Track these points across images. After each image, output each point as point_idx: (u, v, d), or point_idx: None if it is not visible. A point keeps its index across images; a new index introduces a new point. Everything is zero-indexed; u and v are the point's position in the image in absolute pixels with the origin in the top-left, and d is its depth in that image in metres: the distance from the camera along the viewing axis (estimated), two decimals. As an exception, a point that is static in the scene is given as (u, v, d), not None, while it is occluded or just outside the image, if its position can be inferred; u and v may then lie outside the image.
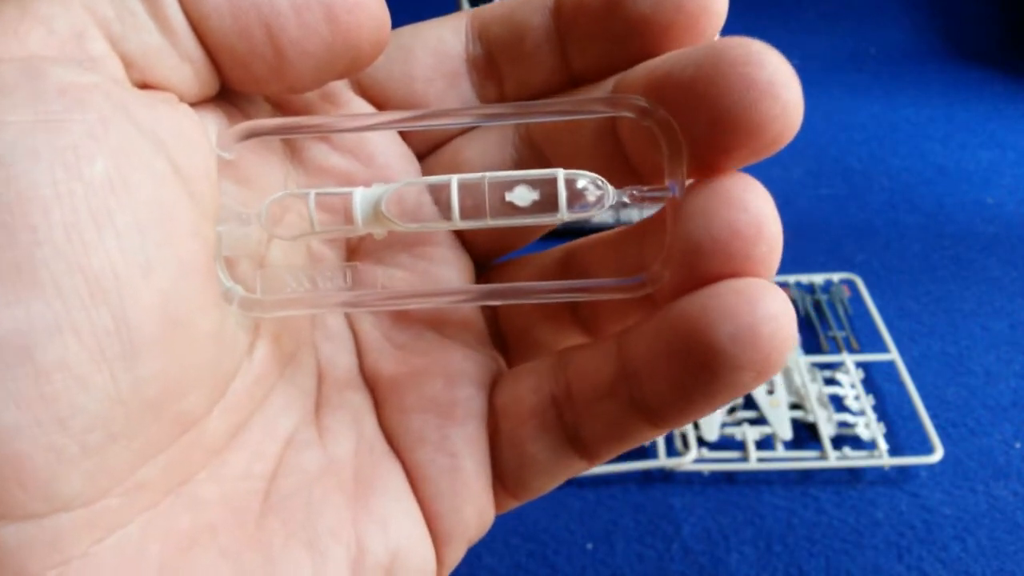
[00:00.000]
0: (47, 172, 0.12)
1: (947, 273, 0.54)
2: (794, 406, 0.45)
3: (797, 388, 0.46)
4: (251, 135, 0.16)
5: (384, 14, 0.16)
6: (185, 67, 0.15)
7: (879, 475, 0.41)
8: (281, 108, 0.18)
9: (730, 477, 0.41)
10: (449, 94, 0.18)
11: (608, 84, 0.17)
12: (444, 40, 0.18)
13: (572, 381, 0.16)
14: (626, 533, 0.38)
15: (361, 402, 0.18)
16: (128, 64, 0.14)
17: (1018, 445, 0.42)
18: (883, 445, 0.41)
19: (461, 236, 0.19)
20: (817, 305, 0.53)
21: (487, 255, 0.20)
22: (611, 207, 0.16)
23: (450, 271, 0.19)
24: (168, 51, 0.15)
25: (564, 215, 0.15)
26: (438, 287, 0.18)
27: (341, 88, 0.18)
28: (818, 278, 0.54)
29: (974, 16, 0.86)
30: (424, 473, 0.17)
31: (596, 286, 0.16)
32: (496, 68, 0.18)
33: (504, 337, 0.19)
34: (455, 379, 0.17)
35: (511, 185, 0.16)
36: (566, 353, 0.17)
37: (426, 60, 0.18)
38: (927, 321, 0.50)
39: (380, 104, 0.18)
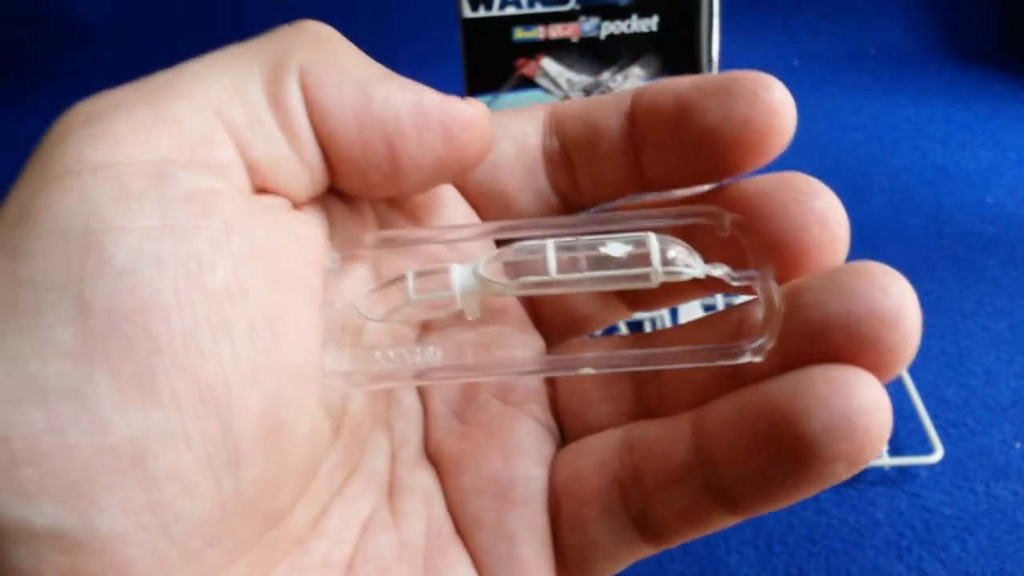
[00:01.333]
0: (170, 280, 0.13)
1: (947, 273, 0.54)
2: (794, 406, 0.45)
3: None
4: (355, 248, 0.17)
5: (491, 129, 0.17)
6: (304, 173, 0.15)
7: (879, 475, 0.41)
8: (382, 200, 0.18)
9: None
10: (526, 182, 0.19)
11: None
12: (527, 132, 0.19)
13: (641, 462, 0.16)
14: (626, 533, 0.38)
15: (430, 481, 0.17)
16: (251, 169, 0.15)
17: (1018, 445, 0.42)
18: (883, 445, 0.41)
19: (533, 316, 0.19)
20: (817, 305, 0.53)
21: (559, 337, 0.20)
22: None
23: (521, 353, 0.19)
24: (291, 159, 0.15)
25: (659, 270, 0.15)
26: (522, 358, 0.18)
27: None
28: (818, 278, 0.54)
29: (974, 16, 0.86)
30: (484, 560, 0.16)
31: (694, 352, 0.15)
32: (571, 163, 0.18)
33: (560, 417, 0.19)
34: (513, 456, 0.17)
35: (604, 242, 0.16)
36: (634, 430, 0.16)
37: (509, 150, 0.18)
38: (927, 321, 0.50)
39: (463, 188, 0.19)
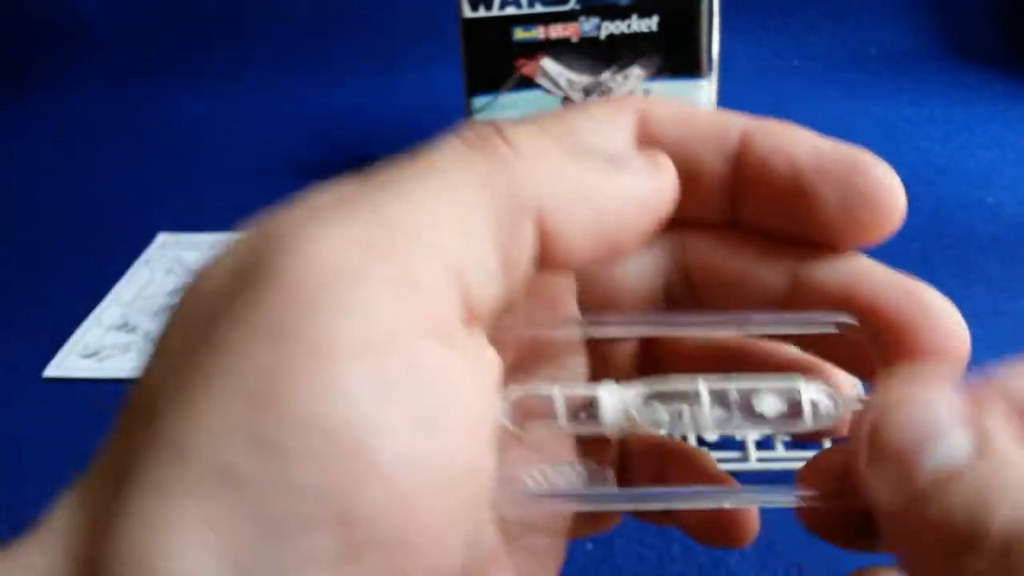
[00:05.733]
0: (429, 486, 0.12)
1: (947, 273, 0.54)
2: (794, 406, 0.45)
3: (797, 388, 0.46)
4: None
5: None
6: (502, 294, 0.15)
7: (879, 475, 0.41)
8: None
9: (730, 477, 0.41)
10: None
11: (784, 269, 0.17)
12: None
13: None
14: (626, 533, 0.38)
15: None
16: (467, 309, 0.14)
17: (1018, 445, 0.42)
18: (883, 445, 0.41)
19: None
20: (817, 305, 0.53)
21: None
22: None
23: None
24: (502, 292, 0.15)
25: (809, 424, 0.16)
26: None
27: None
28: (818, 278, 0.54)
29: (974, 16, 0.86)
30: None
31: None
32: None
33: None
34: None
35: (757, 391, 0.16)
36: None
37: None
38: (927, 321, 0.50)
39: None
